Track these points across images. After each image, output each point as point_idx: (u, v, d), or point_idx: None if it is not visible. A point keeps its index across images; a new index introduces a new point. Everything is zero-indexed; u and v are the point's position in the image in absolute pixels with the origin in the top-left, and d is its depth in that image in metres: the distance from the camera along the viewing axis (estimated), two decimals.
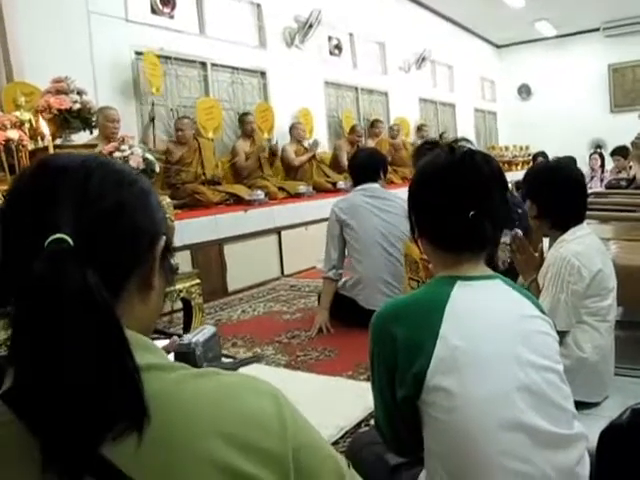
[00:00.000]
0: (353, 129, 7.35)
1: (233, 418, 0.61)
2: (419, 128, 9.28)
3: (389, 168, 7.95)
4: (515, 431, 1.02)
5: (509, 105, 13.02)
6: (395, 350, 1.08)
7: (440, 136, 9.93)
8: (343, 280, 3.45)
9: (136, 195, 0.67)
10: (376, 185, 3.45)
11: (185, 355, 1.32)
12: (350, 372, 2.74)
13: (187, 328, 3.13)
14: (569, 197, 1.96)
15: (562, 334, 1.89)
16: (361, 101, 8.52)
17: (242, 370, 1.53)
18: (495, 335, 1.07)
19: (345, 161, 7.02)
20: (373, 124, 8.19)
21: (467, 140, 1.26)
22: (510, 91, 13.16)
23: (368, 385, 1.22)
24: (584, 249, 1.91)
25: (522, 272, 2.09)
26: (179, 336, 1.50)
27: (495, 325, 1.08)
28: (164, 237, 0.70)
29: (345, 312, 3.32)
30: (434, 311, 1.07)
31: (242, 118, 6.01)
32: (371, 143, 7.90)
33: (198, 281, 3.26)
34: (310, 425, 0.69)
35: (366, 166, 3.47)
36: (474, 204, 1.12)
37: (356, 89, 8.42)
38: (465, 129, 11.45)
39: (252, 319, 3.90)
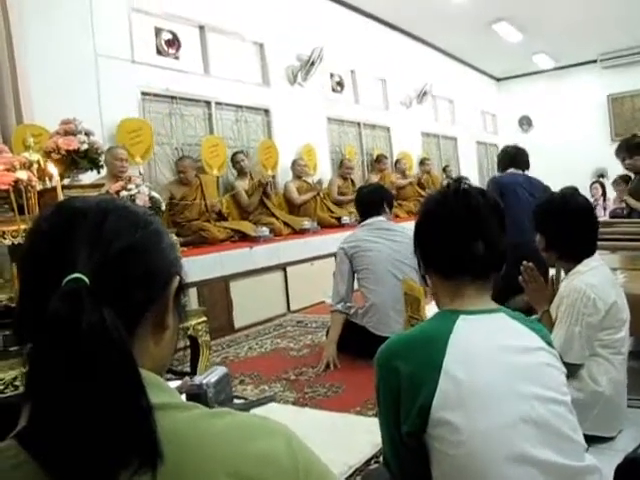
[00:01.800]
0: (342, 163, 7.44)
1: (245, 458, 0.62)
2: (422, 162, 9.36)
3: (394, 203, 8.12)
4: (524, 465, 1.01)
5: (510, 137, 13.13)
6: (399, 385, 1.09)
7: (443, 169, 10.02)
8: (354, 309, 3.47)
9: (150, 236, 0.68)
10: (380, 218, 3.50)
11: (196, 396, 1.32)
12: (358, 408, 2.72)
13: (194, 366, 3.12)
14: (580, 228, 1.96)
15: (576, 367, 1.87)
16: (364, 136, 8.61)
17: (254, 410, 1.52)
18: (496, 369, 1.08)
19: (336, 195, 7.13)
20: (377, 159, 8.28)
21: (466, 178, 1.34)
22: (511, 123, 13.30)
23: (377, 421, 1.23)
24: (599, 281, 1.90)
25: (534, 303, 2.08)
26: (189, 375, 1.50)
27: (496, 359, 1.09)
28: (178, 277, 0.71)
29: (354, 341, 3.32)
30: (437, 345, 1.09)
31: (233, 157, 6.09)
32: (375, 178, 7.98)
33: (205, 318, 3.26)
34: (322, 463, 0.69)
35: (369, 201, 3.54)
36: (471, 231, 1.17)
37: (358, 125, 8.53)
38: (467, 162, 11.54)
39: (259, 356, 3.88)
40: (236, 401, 1.63)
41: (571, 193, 2.09)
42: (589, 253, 1.97)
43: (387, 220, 3.54)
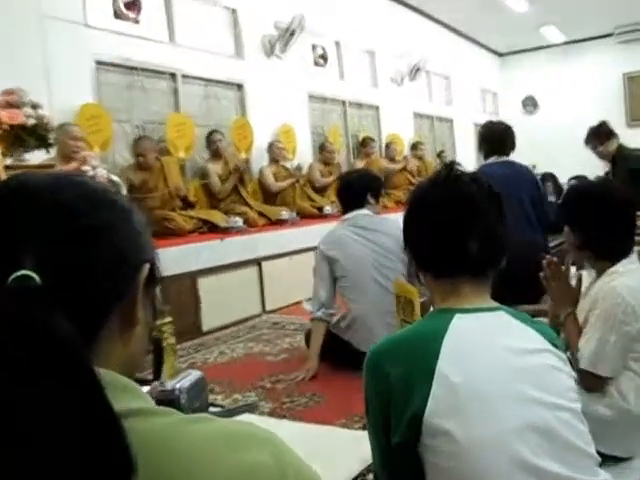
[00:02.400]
0: (324, 147, 7.48)
1: (231, 470, 0.62)
2: (414, 146, 9.43)
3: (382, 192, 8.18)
4: (527, 476, 1.03)
5: (513, 119, 13.17)
6: (389, 390, 1.11)
7: (438, 155, 10.10)
8: (336, 318, 3.46)
9: (116, 216, 0.67)
10: (364, 212, 3.43)
11: (168, 403, 1.32)
12: (344, 420, 2.75)
13: (157, 373, 3.13)
14: (622, 223, 1.93)
15: (605, 381, 1.87)
16: (349, 116, 8.66)
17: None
18: (495, 371, 1.10)
19: (318, 181, 7.15)
20: (364, 142, 8.33)
21: (458, 163, 1.34)
22: (514, 104, 13.42)
23: (364, 435, 1.25)
24: (638, 285, 1.86)
25: (556, 304, 2.03)
26: (154, 381, 1.51)
27: (495, 361, 1.11)
28: (148, 264, 0.70)
29: (337, 354, 3.33)
30: (430, 346, 1.11)
31: (209, 137, 6.09)
32: (361, 164, 8.03)
33: (170, 319, 3.27)
34: (312, 471, 0.70)
35: (351, 191, 3.45)
36: (462, 224, 1.19)
37: (343, 103, 8.56)
38: (465, 147, 11.64)
39: (230, 362, 3.91)
40: (212, 409, 1.65)
41: (610, 182, 2.04)
42: (626, 252, 1.94)
43: (372, 214, 3.46)
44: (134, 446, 0.54)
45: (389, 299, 3.20)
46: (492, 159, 3.75)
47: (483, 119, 12.56)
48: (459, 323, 1.14)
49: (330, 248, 3.41)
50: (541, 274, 2.04)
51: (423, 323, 1.24)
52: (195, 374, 1.54)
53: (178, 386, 1.40)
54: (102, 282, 0.62)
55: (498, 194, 1.25)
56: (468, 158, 10.94)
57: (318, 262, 3.47)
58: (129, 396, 0.62)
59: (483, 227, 1.20)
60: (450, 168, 1.27)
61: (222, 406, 2.04)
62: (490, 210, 1.22)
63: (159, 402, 1.43)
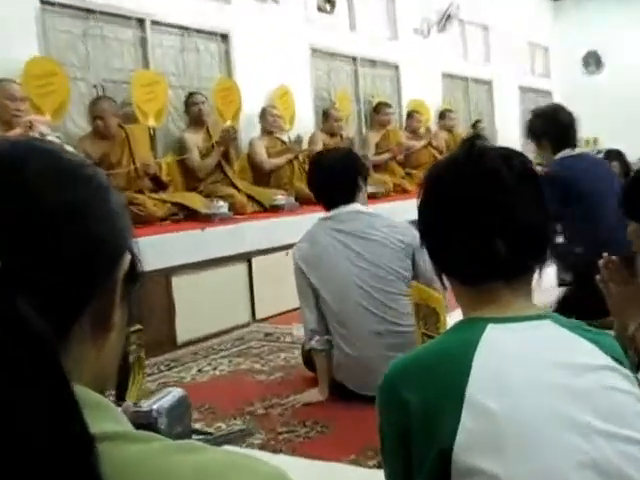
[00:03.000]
0: (327, 114, 7.53)
1: None
2: (442, 115, 9.43)
3: (401, 171, 8.25)
4: None
5: (570, 81, 13.15)
6: (409, 422, 1.12)
7: (473, 126, 10.11)
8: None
9: (93, 194, 0.68)
10: (350, 208, 3.33)
11: (143, 427, 1.36)
12: (353, 455, 2.77)
13: (122, 394, 3.17)
14: None
15: None
16: (362, 77, 8.68)
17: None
18: (543, 395, 1.10)
19: None
20: (378, 109, 8.36)
21: (484, 137, 1.36)
22: (571, 62, 13.36)
23: (380, 474, 1.27)
24: None
25: (619, 312, 2.05)
26: (118, 404, 1.54)
27: (542, 381, 1.12)
28: (129, 254, 0.72)
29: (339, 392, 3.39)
30: (457, 365, 1.12)
31: (188, 100, 6.12)
32: (375, 137, 8.04)
33: (139, 327, 3.31)
34: None
35: (338, 178, 3.34)
36: (490, 218, 1.20)
37: (354, 60, 8.59)
38: (507, 115, 11.62)
39: (212, 381, 3.93)
40: (196, 437, 1.69)
41: None
42: None
43: (364, 211, 3.38)
44: (107, 476, 0.55)
45: (386, 329, 3.22)
46: (565, 152, 3.75)
47: (531, 82, 12.72)
48: (493, 335, 1.15)
49: (305, 260, 3.35)
50: (597, 277, 2.07)
51: (448, 337, 1.25)
52: (176, 392, 1.58)
53: (156, 407, 1.44)
54: (73, 271, 0.63)
55: (535, 176, 1.26)
56: (510, 129, 10.94)
57: (296, 276, 3.42)
58: (104, 416, 0.64)
59: (516, 217, 1.20)
60: (472, 142, 1.28)
61: (208, 433, 2.08)
62: (524, 194, 1.21)
63: (133, 426, 1.47)
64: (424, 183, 1.31)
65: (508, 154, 1.26)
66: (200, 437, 1.76)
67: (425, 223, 1.30)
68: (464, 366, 1.11)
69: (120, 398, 3.23)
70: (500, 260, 1.19)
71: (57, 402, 0.54)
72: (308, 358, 3.62)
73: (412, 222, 3.12)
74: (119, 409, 0.72)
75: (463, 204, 1.21)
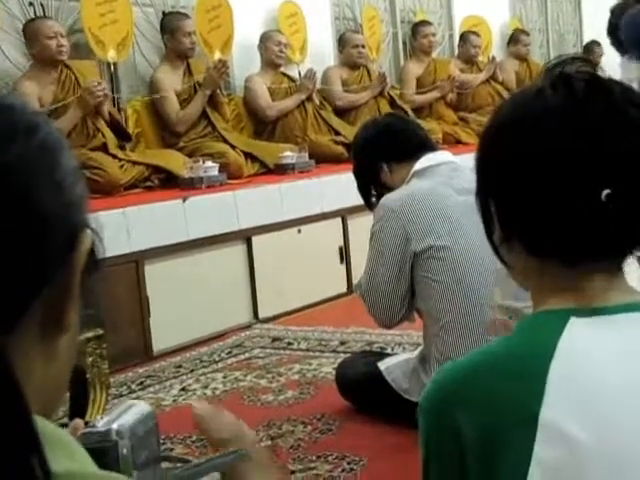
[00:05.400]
0: (344, 39, 7.54)
1: None
2: (514, 38, 9.33)
3: (453, 117, 8.12)
4: None
5: None
6: (462, 450, 1.14)
7: (586, 48, 9.93)
8: (393, 364, 3.57)
9: (36, 155, 0.70)
10: (446, 155, 3.61)
11: (99, 453, 1.36)
12: None
13: (78, 416, 3.20)
14: None
15: None
16: None
17: None
18: None
19: (340, 98, 7.23)
20: (416, 29, 8.34)
21: (589, 62, 1.30)
22: None
23: None
24: None
25: None
26: (82, 420, 1.56)
27: None
28: (89, 232, 0.75)
29: (383, 403, 3.47)
30: (528, 378, 1.12)
31: (166, 22, 6.13)
32: (416, 69, 8.02)
33: (100, 331, 3.36)
34: None
35: (410, 130, 3.65)
36: (609, 176, 1.14)
37: None
38: (604, 40, 11.48)
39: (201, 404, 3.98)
40: (168, 465, 1.71)
41: None
42: None
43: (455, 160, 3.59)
44: None
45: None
46: None
47: None
48: (577, 334, 1.14)
49: (416, 229, 3.37)
50: None
51: (513, 338, 1.23)
52: (139, 408, 1.57)
53: (116, 426, 1.44)
54: (10, 255, 0.65)
55: None
56: (607, 55, 10.86)
57: (388, 241, 3.40)
58: (62, 453, 0.67)
59: (631, 168, 1.15)
60: (564, 63, 1.24)
61: (185, 460, 2.09)
62: None
63: (87, 451, 1.48)
64: (493, 122, 1.28)
65: (630, 89, 1.22)
66: (174, 466, 1.77)
67: (493, 178, 1.24)
68: (537, 379, 1.10)
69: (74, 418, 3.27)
70: (608, 213, 1.12)
71: (14, 436, 0.57)
72: (346, 381, 3.72)
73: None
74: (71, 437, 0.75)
75: (555, 152, 1.16)
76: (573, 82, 1.18)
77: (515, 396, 1.11)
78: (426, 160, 3.44)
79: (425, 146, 3.53)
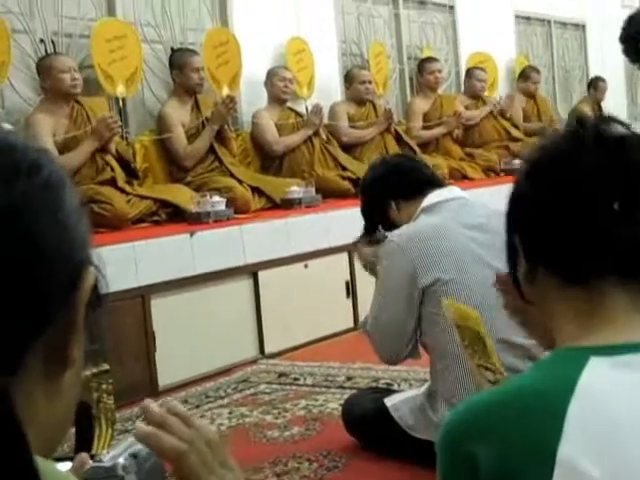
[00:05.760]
0: (350, 76, 7.57)
1: None
2: (525, 74, 9.34)
3: (460, 152, 8.13)
4: None
5: None
6: None
7: (590, 84, 9.89)
8: (400, 400, 3.57)
9: (40, 193, 0.71)
10: (455, 191, 3.62)
11: None
12: None
13: (84, 450, 3.20)
14: None
15: None
16: (405, 22, 8.69)
17: None
18: None
19: (346, 134, 7.25)
20: (422, 66, 8.36)
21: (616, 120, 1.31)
22: None
23: None
24: None
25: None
26: (89, 455, 1.56)
27: None
28: (93, 270, 0.76)
29: (394, 443, 3.46)
30: (546, 414, 1.13)
31: (175, 58, 6.16)
32: (422, 105, 8.04)
33: (106, 367, 3.36)
34: None
35: (417, 170, 3.68)
36: (620, 191, 1.20)
37: None
38: (606, 72, 11.49)
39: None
40: None
41: None
42: None
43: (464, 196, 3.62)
44: None
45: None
46: None
47: None
48: (599, 374, 1.14)
49: (425, 263, 3.37)
50: None
51: (534, 374, 1.25)
52: None
53: (122, 461, 1.44)
54: (13, 293, 0.65)
55: None
56: (615, 95, 10.85)
57: (398, 277, 3.45)
58: None
59: None
60: (600, 122, 1.27)
61: None
62: None
63: None
64: (531, 166, 1.31)
65: None
66: None
67: (532, 215, 1.27)
68: (556, 415, 1.10)
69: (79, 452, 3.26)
70: (618, 239, 1.17)
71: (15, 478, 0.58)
72: (353, 417, 3.73)
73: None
74: (65, 466, 0.74)
75: (596, 202, 1.20)
76: (626, 146, 1.22)
77: (534, 433, 1.11)
78: (435, 196, 3.46)
79: (432, 183, 3.54)
